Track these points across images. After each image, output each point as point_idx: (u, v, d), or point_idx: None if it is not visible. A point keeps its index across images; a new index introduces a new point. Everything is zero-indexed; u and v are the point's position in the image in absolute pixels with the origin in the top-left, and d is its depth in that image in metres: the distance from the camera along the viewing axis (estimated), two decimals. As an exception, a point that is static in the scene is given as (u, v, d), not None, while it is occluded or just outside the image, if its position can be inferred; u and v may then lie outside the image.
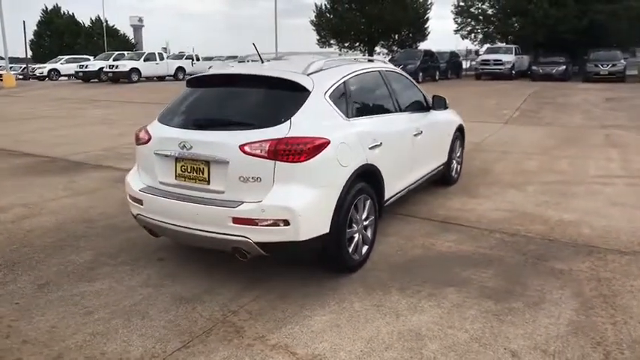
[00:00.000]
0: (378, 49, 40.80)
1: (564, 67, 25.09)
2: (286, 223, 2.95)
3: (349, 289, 3.32)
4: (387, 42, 40.44)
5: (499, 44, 29.79)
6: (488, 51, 28.42)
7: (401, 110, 4.44)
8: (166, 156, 3.32)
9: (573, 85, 21.62)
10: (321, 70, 3.57)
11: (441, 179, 5.64)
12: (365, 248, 3.63)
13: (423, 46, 38.62)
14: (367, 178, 3.55)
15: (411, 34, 38.97)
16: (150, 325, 2.89)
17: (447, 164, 5.57)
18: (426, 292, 3.28)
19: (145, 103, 16.71)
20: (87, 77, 28.05)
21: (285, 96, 3.31)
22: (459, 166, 6.13)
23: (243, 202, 3.02)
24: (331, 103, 3.41)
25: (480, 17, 32.98)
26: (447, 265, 3.72)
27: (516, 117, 12.22)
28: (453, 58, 29.96)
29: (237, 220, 2.99)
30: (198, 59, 32.32)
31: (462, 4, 33.07)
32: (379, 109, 4.12)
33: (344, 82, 3.64)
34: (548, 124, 11.16)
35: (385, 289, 3.32)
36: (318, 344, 2.68)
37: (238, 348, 2.65)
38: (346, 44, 40.31)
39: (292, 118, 3.12)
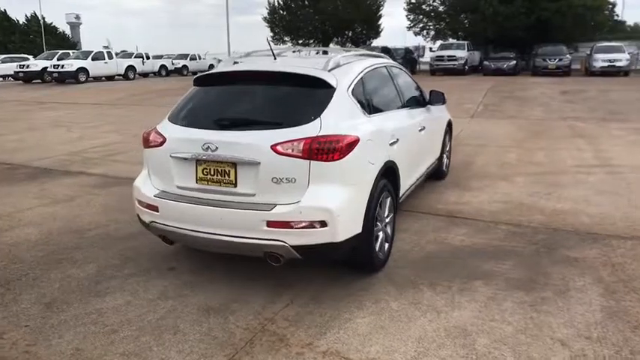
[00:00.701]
0: (332, 45, 40.99)
1: (514, 62, 26.21)
2: (323, 224, 2.85)
3: (380, 288, 3.27)
4: (340, 39, 40.73)
5: (451, 40, 30.68)
6: (442, 47, 29.26)
7: (406, 106, 4.43)
8: (186, 159, 3.12)
9: (525, 79, 22.60)
10: (340, 65, 3.48)
11: (434, 174, 5.69)
12: (386, 246, 3.59)
13: (376, 42, 39.27)
14: (388, 175, 3.50)
15: (364, 31, 39.46)
16: (184, 339, 2.71)
17: (440, 158, 5.63)
18: (457, 287, 3.28)
19: (97, 105, 15.93)
20: (28, 78, 26.34)
21: (310, 93, 3.20)
22: (448, 161, 6.21)
23: (276, 205, 2.89)
24: (354, 99, 3.33)
25: (432, 14, 33.84)
26: (465, 259, 3.74)
27: (481, 111, 12.60)
28: (408, 54, 30.59)
29: (272, 224, 2.85)
30: (148, 57, 31.20)
31: (413, 1, 33.81)
32: (390, 105, 4.08)
33: (361, 78, 3.57)
34: (512, 117, 11.57)
35: (415, 286, 3.29)
36: (370, 348, 2.61)
37: (288, 357, 2.53)
38: (300, 41, 40.26)
39: (321, 116, 3.01)
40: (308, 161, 2.86)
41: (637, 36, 32.98)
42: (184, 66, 33.52)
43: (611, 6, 32.79)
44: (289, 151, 2.86)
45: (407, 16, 34.70)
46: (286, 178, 2.87)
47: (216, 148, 2.97)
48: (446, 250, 3.94)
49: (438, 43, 32.05)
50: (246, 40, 72.15)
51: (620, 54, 23.08)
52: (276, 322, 2.87)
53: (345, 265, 3.43)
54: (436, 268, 3.58)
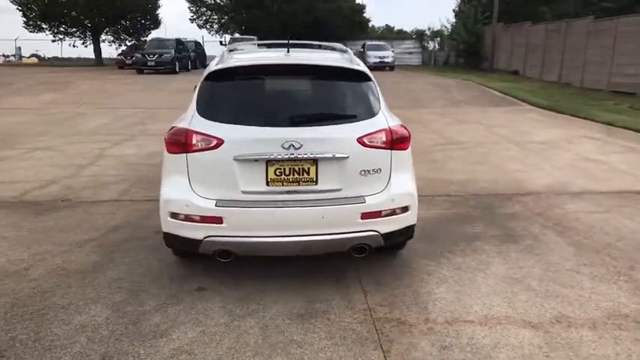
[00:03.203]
0: (103, 36, 36.93)
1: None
2: (405, 209, 3.04)
3: (417, 263, 3.60)
4: (112, 28, 37.00)
5: (241, 35, 31.33)
6: (232, 41, 29.60)
7: None
8: (256, 160, 2.82)
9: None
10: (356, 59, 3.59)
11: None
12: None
13: (155, 34, 37.04)
14: None
15: (142, 21, 36.76)
16: (318, 348, 2.57)
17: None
18: (469, 250, 3.86)
19: None
20: None
21: (357, 86, 3.24)
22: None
23: (364, 196, 2.93)
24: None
25: (215, 7, 33.84)
26: (447, 228, 4.37)
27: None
28: (198, 47, 30.03)
29: (365, 215, 2.90)
30: None
31: (194, -9, 33.21)
32: None
33: None
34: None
35: (442, 255, 3.74)
36: (471, 308, 2.96)
37: (430, 335, 2.69)
38: (61, 29, 35.03)
39: (381, 108, 3.15)
40: (390, 151, 2.99)
41: (391, 37, 39.59)
42: None
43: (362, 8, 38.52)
44: (375, 143, 2.93)
45: (189, 7, 33.87)
46: (373, 170, 2.94)
47: (301, 145, 2.81)
48: (424, 223, 4.48)
49: (227, 37, 32.34)
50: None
51: (387, 52, 27.55)
52: (377, 311, 2.94)
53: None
54: (436, 239, 4.09)
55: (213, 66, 3.32)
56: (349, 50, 3.72)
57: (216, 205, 2.83)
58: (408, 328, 2.76)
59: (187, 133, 2.88)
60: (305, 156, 2.83)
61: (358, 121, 3.02)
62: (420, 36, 36.13)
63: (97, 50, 35.05)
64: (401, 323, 2.81)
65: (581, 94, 14.98)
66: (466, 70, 25.17)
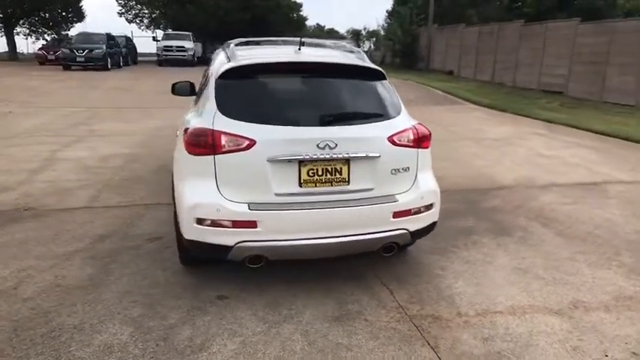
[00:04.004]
0: (18, 28, 34.06)
1: (240, 54, 28.05)
2: (430, 207, 3.09)
3: (429, 259, 3.68)
4: (28, 20, 34.22)
5: (175, 31, 30.16)
6: (166, 37, 28.46)
7: None
8: (289, 161, 2.73)
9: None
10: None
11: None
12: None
13: (80, 28, 34.75)
14: None
15: (63, 13, 34.28)
16: (367, 350, 2.54)
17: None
18: (470, 243, 4.01)
19: None
20: None
21: (379, 85, 3.24)
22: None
23: (394, 195, 2.94)
24: (389, 90, 3.55)
25: (146, 1, 32.30)
26: (442, 223, 4.45)
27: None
28: (129, 43, 28.55)
29: (397, 214, 2.91)
30: None
31: (122, -14, 31.51)
32: None
33: None
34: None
35: (449, 251, 3.84)
36: (496, 298, 3.08)
37: (464, 328, 2.75)
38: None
39: (402, 107, 3.17)
40: (417, 150, 3.02)
41: (323, 36, 39.96)
42: None
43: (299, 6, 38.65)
44: (403, 142, 2.95)
45: (117, 0, 32.07)
46: (402, 168, 2.96)
47: (335, 145, 2.75)
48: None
49: (160, 32, 30.98)
50: None
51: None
52: (409, 308, 2.97)
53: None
54: (436, 234, 4.04)
55: (225, 63, 3.16)
56: (359, 50, 3.70)
57: (249, 209, 2.70)
58: (445, 323, 2.81)
59: (215, 134, 2.72)
60: (339, 156, 2.79)
61: (385, 120, 3.02)
62: (356, 35, 36.82)
63: (11, 44, 32.19)
64: (436, 319, 2.85)
65: (515, 93, 16.02)
66: (403, 70, 26.01)
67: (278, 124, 2.79)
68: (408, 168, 3.00)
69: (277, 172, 2.75)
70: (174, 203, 3.16)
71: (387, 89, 3.25)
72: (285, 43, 4.19)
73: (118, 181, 5.62)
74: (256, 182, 2.74)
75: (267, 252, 2.78)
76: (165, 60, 26.62)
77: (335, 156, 2.78)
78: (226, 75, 3.03)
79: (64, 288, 3.14)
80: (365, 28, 35.81)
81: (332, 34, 44.61)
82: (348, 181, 2.86)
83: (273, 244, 2.75)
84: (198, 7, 29.43)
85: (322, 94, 3.11)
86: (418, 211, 3.01)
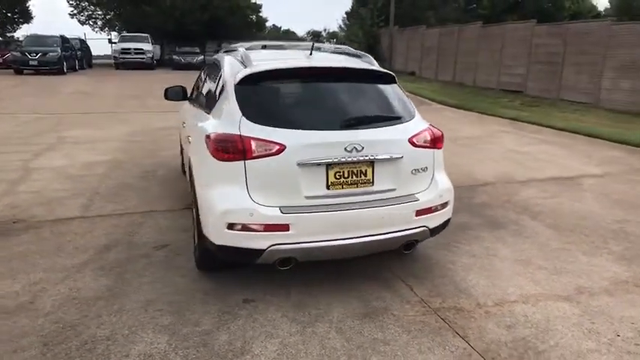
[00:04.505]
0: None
1: (202, 56, 27.64)
2: (446, 204, 3.25)
3: (437, 255, 3.84)
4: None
5: (132, 33, 29.31)
6: (123, 39, 27.64)
7: None
8: (318, 165, 2.80)
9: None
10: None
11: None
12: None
13: (27, 30, 33.12)
14: None
15: (8, 14, 32.61)
16: (405, 344, 2.66)
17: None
18: (472, 238, 4.21)
19: None
20: None
21: (392, 89, 3.39)
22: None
23: (414, 194, 3.08)
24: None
25: (99, 2, 31.20)
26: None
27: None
28: (84, 45, 27.52)
29: (419, 212, 3.04)
30: None
31: (75, -15, 30.32)
32: None
33: None
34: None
35: (453, 246, 4.02)
36: (508, 289, 3.27)
37: (487, 318, 2.92)
38: None
39: (415, 109, 3.31)
40: (433, 150, 3.17)
41: (278, 37, 39.86)
42: None
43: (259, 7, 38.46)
44: (422, 143, 3.09)
45: (69, 1, 30.79)
46: (422, 168, 3.10)
47: (362, 147, 2.85)
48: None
49: (116, 35, 30.01)
50: None
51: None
52: (431, 302, 3.11)
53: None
54: None
55: (242, 68, 3.19)
56: (366, 54, 3.81)
57: (282, 212, 2.76)
58: (468, 314, 2.96)
59: (244, 140, 2.76)
60: (364, 158, 2.89)
61: (403, 122, 3.15)
62: (316, 37, 37.01)
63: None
64: (459, 310, 3.01)
65: (477, 93, 16.66)
66: (365, 71, 26.41)
67: (306, 129, 2.87)
68: (426, 168, 3.14)
69: (306, 175, 2.82)
70: (196, 209, 3.16)
71: (399, 92, 3.39)
72: (292, 47, 4.25)
73: (106, 189, 5.49)
74: (287, 186, 2.81)
75: (298, 254, 2.85)
76: (122, 63, 25.86)
77: (361, 158, 2.88)
78: (246, 80, 3.07)
79: (82, 300, 3.08)
80: (325, 30, 36.10)
81: (288, 35, 44.67)
82: (373, 182, 2.97)
83: (305, 246, 2.81)
84: (156, 7, 28.70)
85: (343, 98, 3.20)
86: (436, 209, 3.16)
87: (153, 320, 2.86)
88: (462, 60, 19.36)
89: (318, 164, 2.83)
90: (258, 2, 33.81)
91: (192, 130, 3.55)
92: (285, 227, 2.76)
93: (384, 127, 3.07)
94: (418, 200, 3.06)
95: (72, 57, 22.95)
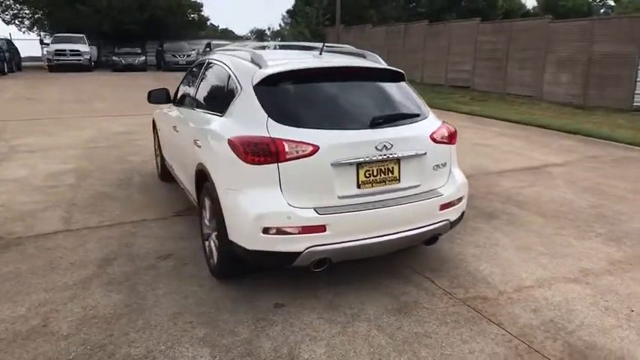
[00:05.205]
0: None
1: (143, 57, 26.56)
2: (462, 198, 3.36)
3: (444, 245, 3.96)
4: None
5: (67, 34, 27.60)
6: (56, 40, 25.97)
7: None
8: (350, 164, 2.80)
9: (164, 74, 23.42)
10: (379, 62, 3.75)
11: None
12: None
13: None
14: None
15: None
16: (444, 335, 2.72)
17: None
18: (470, 229, 4.38)
19: None
20: None
21: (405, 87, 3.46)
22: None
23: (437, 189, 3.16)
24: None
25: (26, 0, 29.11)
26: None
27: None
28: (11, 47, 25.57)
29: (442, 207, 3.13)
30: None
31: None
32: None
33: None
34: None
35: (454, 238, 4.16)
36: (523, 281, 3.43)
37: (513, 304, 3.05)
38: None
39: (427, 106, 3.39)
40: (450, 146, 3.26)
41: (229, 36, 39.20)
42: None
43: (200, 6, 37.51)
44: (440, 139, 3.17)
45: (-9, -1, 28.50)
46: (442, 164, 3.18)
47: (391, 145, 2.88)
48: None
49: (45, 35, 28.10)
50: None
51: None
52: (456, 293, 3.21)
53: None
54: None
55: (257, 69, 3.13)
56: (372, 54, 3.85)
57: (318, 214, 2.74)
58: (494, 302, 3.09)
59: (276, 142, 2.71)
60: (392, 156, 2.93)
61: (422, 119, 3.23)
62: (259, 36, 36.65)
63: None
64: (484, 299, 3.13)
65: (428, 90, 17.20)
66: (314, 69, 26.53)
67: (337, 129, 2.86)
68: (445, 163, 3.23)
69: (339, 175, 2.82)
70: (216, 216, 3.05)
71: (410, 90, 3.47)
72: (300, 48, 4.21)
73: (82, 200, 5.17)
74: (321, 187, 2.79)
75: (334, 254, 2.84)
76: (57, 65, 24.34)
77: (390, 156, 2.92)
78: (266, 81, 3.01)
79: (102, 318, 2.89)
80: (269, 28, 35.82)
81: (227, 34, 43.86)
82: (399, 180, 3.01)
83: (341, 246, 2.81)
84: (91, 7, 27.21)
85: (365, 97, 3.22)
86: (456, 203, 3.26)
87: (186, 333, 2.74)
88: (409, 57, 19.92)
89: (350, 164, 2.83)
90: (199, 1, 33.00)
91: (200, 133, 3.42)
92: (321, 228, 2.75)
93: (408, 125, 3.12)
94: (442, 195, 3.14)
95: (0, 60, 21.29)
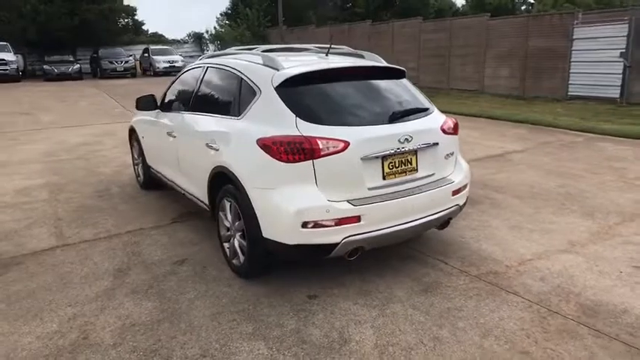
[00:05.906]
0: None
1: (78, 65, 25.25)
2: (467, 185, 3.65)
3: (443, 230, 4.26)
4: None
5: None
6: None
7: None
8: (376, 157, 3.00)
9: (100, 82, 22.46)
10: (378, 60, 3.98)
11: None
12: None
13: None
14: None
15: None
16: (474, 308, 2.99)
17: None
18: (461, 215, 4.69)
19: None
20: None
21: (408, 82, 3.70)
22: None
23: (447, 176, 3.43)
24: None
25: None
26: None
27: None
28: None
29: (454, 192, 3.41)
30: None
31: None
32: None
33: None
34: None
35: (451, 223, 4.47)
36: (521, 250, 3.79)
37: (521, 275, 3.38)
38: None
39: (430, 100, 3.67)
40: (455, 136, 3.55)
41: (164, 41, 38.10)
42: None
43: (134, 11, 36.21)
44: (448, 130, 3.44)
45: None
46: (451, 153, 3.46)
47: (412, 138, 3.11)
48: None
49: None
50: None
51: (175, 56, 26.76)
52: (470, 271, 3.50)
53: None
54: None
55: (275, 71, 3.25)
56: (371, 53, 4.06)
57: (353, 205, 2.91)
58: (505, 275, 3.41)
59: (311, 140, 2.85)
60: (411, 147, 3.16)
61: (430, 112, 3.49)
62: (198, 39, 35.95)
63: None
64: (496, 274, 3.44)
65: (376, 87, 17.78)
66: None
67: (363, 125, 3.05)
68: (453, 152, 3.52)
69: (367, 168, 3.01)
70: (249, 215, 3.12)
71: (415, 86, 3.72)
72: (306, 50, 4.35)
73: (67, 214, 5.00)
74: (352, 180, 2.97)
75: (368, 242, 3.03)
76: (-20, 76, 22.61)
77: (410, 148, 3.15)
78: (287, 83, 3.14)
79: (142, 325, 2.90)
80: (207, 31, 35.22)
81: (156, 37, 42.56)
82: (417, 169, 3.25)
83: (374, 235, 3.00)
84: (15, 12, 25.46)
85: (381, 94, 3.44)
86: (463, 189, 3.56)
87: (234, 330, 2.82)
88: (355, 57, 20.40)
89: (377, 157, 3.03)
90: (131, 5, 31.82)
91: (217, 136, 3.47)
92: (356, 219, 2.92)
93: (422, 118, 3.37)
94: (453, 182, 3.42)
95: None
